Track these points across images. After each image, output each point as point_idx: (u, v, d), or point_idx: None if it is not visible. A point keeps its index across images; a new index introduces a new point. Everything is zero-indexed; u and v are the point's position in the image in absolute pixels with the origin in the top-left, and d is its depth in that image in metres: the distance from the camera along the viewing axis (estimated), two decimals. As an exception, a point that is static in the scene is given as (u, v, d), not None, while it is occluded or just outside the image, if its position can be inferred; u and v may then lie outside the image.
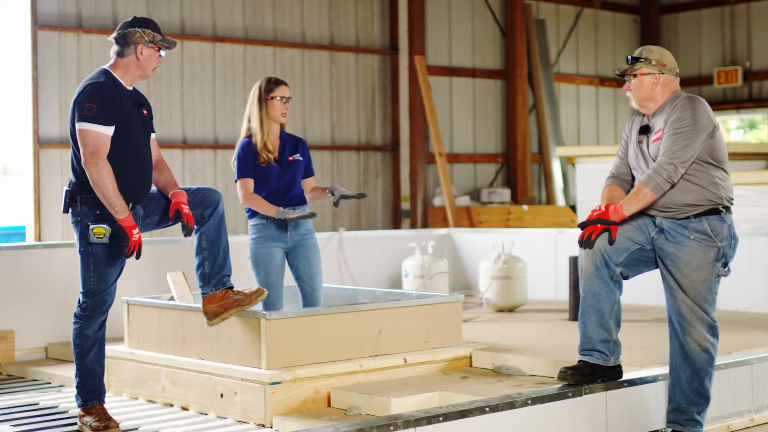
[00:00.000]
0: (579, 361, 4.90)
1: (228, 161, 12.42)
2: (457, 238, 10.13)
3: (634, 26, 17.89)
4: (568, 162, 15.43)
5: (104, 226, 4.95)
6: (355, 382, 5.50)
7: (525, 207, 13.52)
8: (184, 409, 5.66)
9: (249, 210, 6.15)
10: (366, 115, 14.36)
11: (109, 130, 4.96)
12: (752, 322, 7.37)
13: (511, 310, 8.69)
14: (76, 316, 5.12)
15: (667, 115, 4.79)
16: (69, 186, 5.08)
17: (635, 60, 4.89)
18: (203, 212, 5.31)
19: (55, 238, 11.38)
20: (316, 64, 13.81)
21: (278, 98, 6.10)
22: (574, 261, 7.91)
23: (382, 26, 14.51)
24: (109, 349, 5.91)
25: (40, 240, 11.35)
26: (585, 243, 4.79)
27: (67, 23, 11.70)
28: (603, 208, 4.81)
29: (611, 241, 4.78)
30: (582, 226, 4.84)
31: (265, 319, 5.34)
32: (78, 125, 4.93)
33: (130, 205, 5.05)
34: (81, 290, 5.09)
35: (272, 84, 6.12)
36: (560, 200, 15.63)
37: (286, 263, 6.21)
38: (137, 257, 5.00)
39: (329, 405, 5.38)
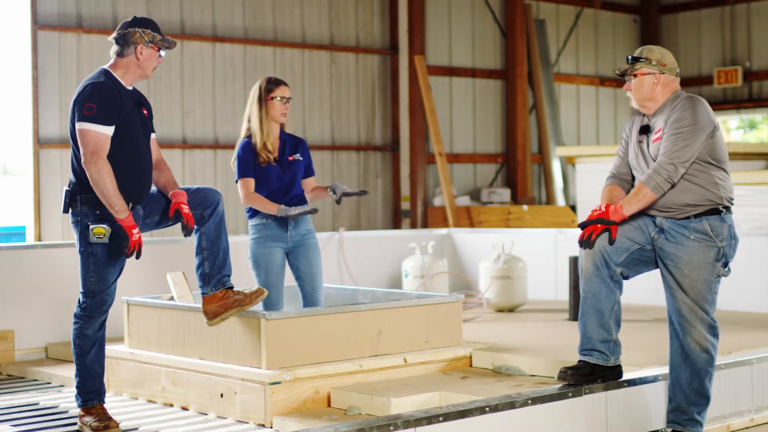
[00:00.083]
0: (579, 361, 4.90)
1: (228, 161, 12.42)
2: (457, 238, 10.13)
3: (634, 26, 17.90)
4: (568, 162, 15.43)
5: (104, 226, 4.95)
6: (355, 382, 5.50)
7: (525, 207, 13.52)
8: (184, 409, 5.66)
9: (249, 210, 6.15)
10: (366, 115, 14.37)
11: (109, 130, 4.95)
12: (752, 322, 7.37)
13: (511, 310, 8.69)
14: (76, 316, 5.12)
15: (668, 115, 4.79)
16: (69, 186, 5.08)
17: (635, 60, 4.89)
18: (203, 212, 5.31)
19: (55, 238, 11.38)
20: (316, 64, 13.81)
21: (278, 98, 6.09)
22: (574, 261, 7.91)
23: (382, 26, 14.51)
24: (109, 349, 5.91)
25: (40, 240, 11.35)
26: (585, 243, 4.79)
27: (67, 23, 11.70)
28: (603, 208, 4.81)
29: (611, 241, 4.78)
30: (582, 226, 4.84)
31: (265, 319, 5.34)
32: (78, 125, 4.93)
33: (130, 205, 5.05)
34: (81, 290, 5.09)
35: (272, 84, 6.12)
36: (560, 200, 15.63)
37: (287, 263, 6.21)
38: (137, 257, 5.00)
39: (329, 405, 5.38)
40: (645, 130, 4.89)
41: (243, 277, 6.93)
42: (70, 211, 5.06)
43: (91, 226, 4.95)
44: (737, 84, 16.94)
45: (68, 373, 6.37)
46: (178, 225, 5.26)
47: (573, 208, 13.28)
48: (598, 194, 5.14)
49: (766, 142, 18.23)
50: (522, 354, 5.93)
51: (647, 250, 4.85)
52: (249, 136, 6.14)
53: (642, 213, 4.84)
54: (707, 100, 4.94)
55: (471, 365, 6.04)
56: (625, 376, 5.01)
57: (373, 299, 6.51)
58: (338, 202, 6.18)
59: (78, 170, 5.02)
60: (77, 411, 5.24)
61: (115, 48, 5.11)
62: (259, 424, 5.22)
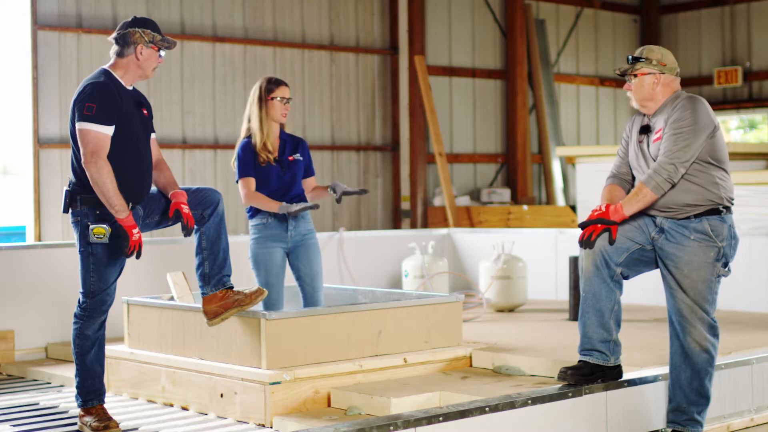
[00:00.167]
0: (579, 361, 4.90)
1: (228, 161, 12.43)
2: (457, 238, 10.13)
3: (634, 26, 17.89)
4: (568, 162, 15.43)
5: (104, 226, 4.95)
6: (355, 382, 5.50)
7: (525, 207, 13.52)
8: (184, 409, 5.66)
9: (250, 210, 6.15)
10: (366, 115, 14.36)
11: (109, 130, 4.95)
12: (752, 322, 7.37)
13: (511, 310, 8.69)
14: (76, 316, 5.12)
15: (668, 115, 4.79)
16: (69, 186, 5.08)
17: (636, 60, 4.89)
18: (203, 212, 5.31)
19: (55, 238, 11.38)
20: (316, 64, 13.81)
21: (278, 99, 6.09)
22: (574, 261, 7.91)
23: (382, 26, 14.51)
24: (109, 349, 5.90)
25: (40, 240, 11.35)
26: (585, 243, 4.79)
27: (67, 23, 11.70)
28: (603, 208, 4.81)
29: (611, 241, 4.78)
30: (582, 226, 4.84)
31: (265, 319, 5.34)
32: (78, 125, 4.93)
33: (130, 204, 5.05)
34: (81, 290, 5.09)
35: (273, 84, 6.12)
36: (560, 200, 15.63)
37: (287, 263, 6.21)
38: (137, 257, 5.00)
39: (329, 405, 5.38)
40: (645, 130, 4.89)
41: (243, 277, 6.93)
42: (70, 211, 5.06)
43: (91, 226, 4.95)
44: (737, 84, 16.94)
45: (68, 373, 6.37)
46: (178, 225, 5.26)
47: (573, 208, 13.27)
48: (598, 194, 5.14)
49: (766, 142, 18.23)
50: (522, 354, 5.93)
51: (647, 250, 4.85)
52: (249, 136, 6.14)
53: (642, 213, 4.84)
54: (707, 100, 4.94)
55: (471, 365, 6.04)
56: (625, 376, 5.00)
57: (373, 299, 6.51)
58: (338, 201, 6.18)
59: (78, 170, 5.02)
60: (77, 411, 5.24)
61: (115, 48, 5.11)
62: (259, 424, 5.22)
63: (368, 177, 14.39)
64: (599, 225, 4.78)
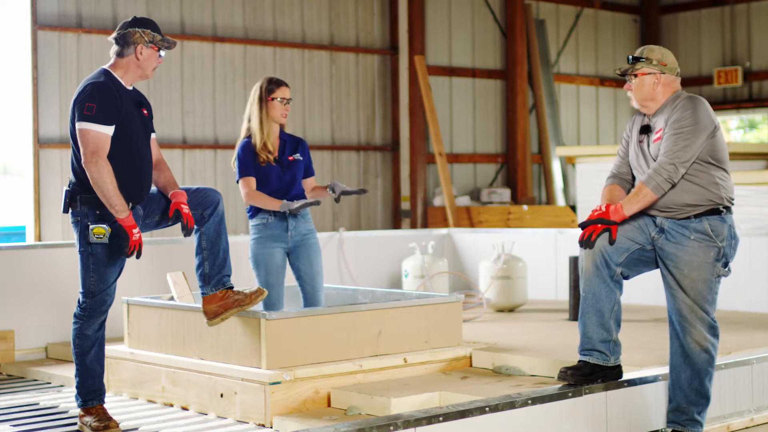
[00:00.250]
0: (579, 361, 4.90)
1: (228, 161, 12.43)
2: (457, 238, 10.13)
3: (634, 26, 17.89)
4: (568, 162, 15.43)
5: (104, 226, 4.95)
6: (355, 382, 5.50)
7: (525, 207, 13.52)
8: (184, 409, 5.66)
9: (250, 210, 6.15)
10: (366, 115, 14.36)
11: (109, 130, 4.95)
12: (752, 322, 7.37)
13: (511, 310, 8.69)
14: (75, 316, 5.12)
15: (668, 114, 4.79)
16: (69, 186, 5.08)
17: (636, 60, 4.89)
18: (203, 212, 5.31)
19: (55, 238, 11.38)
20: (316, 64, 13.81)
21: (279, 99, 6.09)
22: (574, 261, 7.91)
23: (382, 26, 14.51)
24: (109, 349, 5.90)
25: (40, 240, 11.35)
26: (585, 243, 4.79)
27: (67, 23, 11.70)
28: (603, 208, 4.81)
29: (611, 241, 4.78)
30: (582, 226, 4.84)
31: (265, 319, 5.34)
32: (78, 125, 4.93)
33: (130, 204, 5.05)
34: (81, 290, 5.09)
35: (273, 85, 6.12)
36: (560, 200, 15.63)
37: (287, 263, 6.21)
38: (137, 257, 5.00)
39: (329, 405, 5.38)
40: (645, 129, 4.89)
41: (243, 277, 6.93)
42: (70, 211, 5.06)
43: (91, 226, 4.95)
44: (737, 84, 16.93)
45: (68, 373, 6.37)
46: (178, 225, 5.26)
47: (573, 208, 13.27)
48: (598, 194, 5.13)
49: (766, 142, 18.23)
50: (522, 354, 5.93)
51: (647, 250, 4.85)
52: (249, 136, 6.14)
53: (642, 213, 4.84)
54: (707, 100, 4.93)
55: (471, 365, 6.04)
56: (625, 376, 5.00)
57: (373, 299, 6.51)
58: (337, 200, 6.19)
59: (78, 170, 5.02)
60: (77, 411, 5.24)
61: (115, 48, 5.11)
62: (259, 424, 5.22)
63: (368, 177, 14.39)
64: (599, 225, 4.78)
